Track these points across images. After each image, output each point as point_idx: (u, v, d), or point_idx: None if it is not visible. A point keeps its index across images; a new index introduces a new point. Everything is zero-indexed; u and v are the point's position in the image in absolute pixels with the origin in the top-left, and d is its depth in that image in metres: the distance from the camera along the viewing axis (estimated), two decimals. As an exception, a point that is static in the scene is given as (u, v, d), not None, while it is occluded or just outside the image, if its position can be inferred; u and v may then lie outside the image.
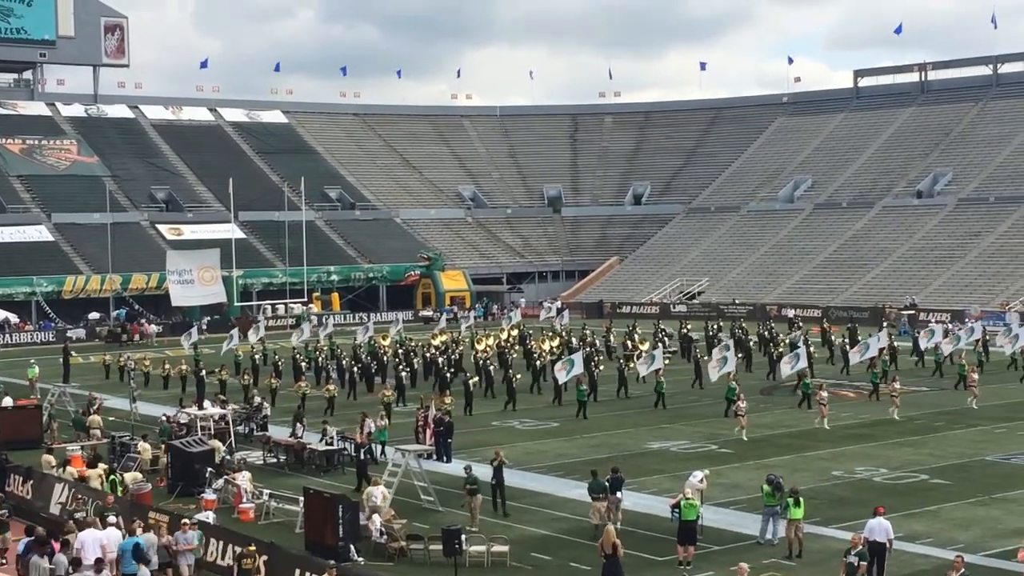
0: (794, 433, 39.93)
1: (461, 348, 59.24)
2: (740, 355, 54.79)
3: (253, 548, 22.76)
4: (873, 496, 30.04)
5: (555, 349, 58.54)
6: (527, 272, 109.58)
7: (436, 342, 61.60)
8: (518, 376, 49.12)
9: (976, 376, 45.81)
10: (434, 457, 36.07)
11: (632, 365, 52.09)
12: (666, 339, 63.51)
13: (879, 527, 23.59)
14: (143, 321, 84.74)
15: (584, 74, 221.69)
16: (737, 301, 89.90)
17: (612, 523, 27.25)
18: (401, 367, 52.30)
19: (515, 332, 67.18)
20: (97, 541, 23.12)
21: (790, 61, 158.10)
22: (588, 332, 64.80)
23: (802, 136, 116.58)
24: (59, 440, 39.86)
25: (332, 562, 21.38)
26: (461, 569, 23.78)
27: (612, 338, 64.29)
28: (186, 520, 24.87)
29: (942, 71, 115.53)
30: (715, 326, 67.15)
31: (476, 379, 48.92)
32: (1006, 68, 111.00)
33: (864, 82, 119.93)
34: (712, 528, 27.53)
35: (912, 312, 78.35)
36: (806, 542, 25.72)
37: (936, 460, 35.37)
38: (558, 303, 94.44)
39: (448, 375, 50.83)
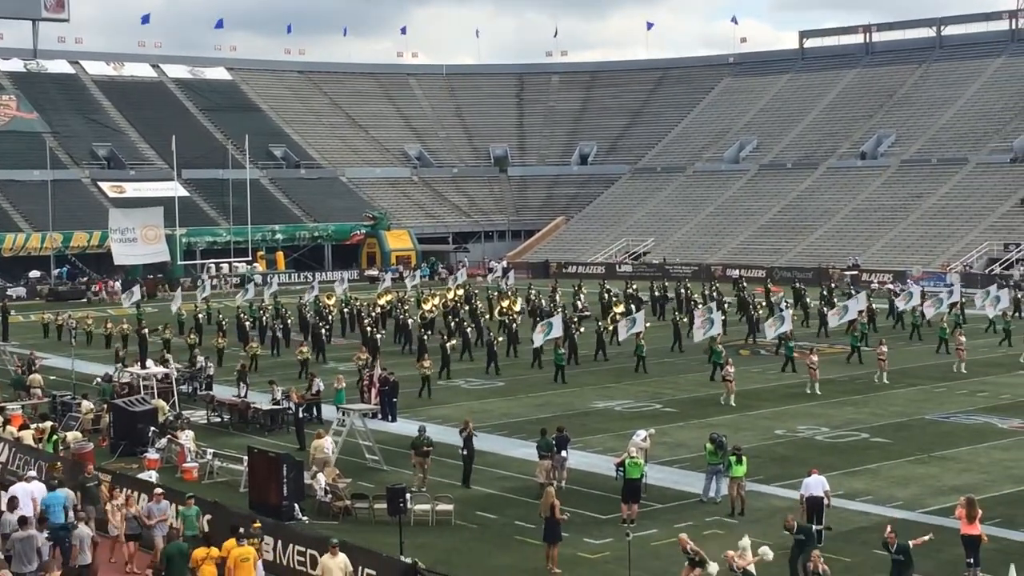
0: (737, 392, 40.07)
1: (407, 308, 58.96)
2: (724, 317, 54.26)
3: (258, 525, 21.62)
4: (815, 454, 30.40)
5: (506, 309, 57.84)
6: (473, 232, 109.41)
7: (381, 301, 61.42)
8: (499, 339, 48.40)
9: (963, 339, 45.06)
10: (379, 416, 36.04)
11: (611, 327, 51.54)
12: (613, 299, 63.50)
13: (815, 482, 23.89)
14: (86, 276, 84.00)
15: (530, 33, 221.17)
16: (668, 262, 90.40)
17: (557, 481, 27.48)
18: (373, 329, 51.38)
19: (460, 292, 67.03)
20: (28, 494, 23.06)
21: (735, 21, 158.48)
22: (534, 292, 64.79)
23: (748, 97, 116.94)
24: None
25: (335, 540, 20.18)
26: (406, 528, 23.79)
27: (558, 298, 64.23)
28: (160, 489, 24.02)
29: (886, 33, 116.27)
30: (661, 285, 67.36)
31: (454, 342, 48.03)
32: (949, 30, 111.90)
33: (809, 43, 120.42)
34: (656, 486, 27.71)
35: (855, 272, 79.07)
36: (749, 500, 25.98)
37: (877, 419, 35.79)
38: (504, 263, 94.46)
39: (425, 337, 49.40)
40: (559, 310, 56.18)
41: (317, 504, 26.58)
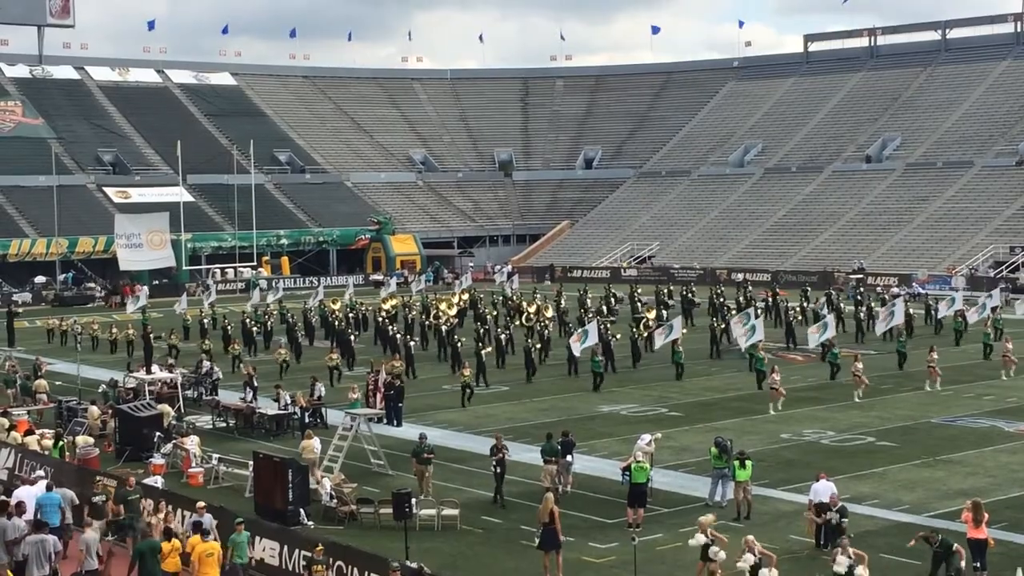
0: (743, 396, 40.16)
1: (413, 313, 58.81)
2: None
3: (321, 548, 20.85)
4: (820, 458, 30.37)
5: (534, 314, 57.37)
6: (478, 236, 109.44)
7: (386, 306, 61.33)
8: (538, 346, 47.74)
9: (1011, 346, 44.28)
10: (384, 421, 36.03)
11: (645, 334, 50.72)
12: (618, 305, 63.33)
13: (823, 488, 23.86)
14: (111, 281, 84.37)
15: (535, 37, 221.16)
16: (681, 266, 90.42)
17: (563, 486, 27.48)
18: (409, 337, 50.75)
19: (466, 296, 66.89)
20: (33, 497, 23.09)
21: (740, 25, 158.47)
22: (539, 297, 64.63)
23: (752, 100, 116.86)
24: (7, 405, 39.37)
25: (395, 564, 19.38)
26: (411, 532, 23.78)
27: (563, 302, 64.08)
28: (202, 503, 23.33)
29: (891, 36, 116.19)
30: (666, 290, 67.27)
31: (489, 348, 47.09)
32: (954, 33, 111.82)
33: (814, 47, 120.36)
34: (661, 490, 27.70)
35: (860, 276, 78.98)
36: (755, 504, 25.95)
37: (882, 422, 35.74)
38: (508, 267, 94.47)
39: (459, 344, 48.37)
40: (589, 317, 55.58)
41: (323, 509, 26.58)
